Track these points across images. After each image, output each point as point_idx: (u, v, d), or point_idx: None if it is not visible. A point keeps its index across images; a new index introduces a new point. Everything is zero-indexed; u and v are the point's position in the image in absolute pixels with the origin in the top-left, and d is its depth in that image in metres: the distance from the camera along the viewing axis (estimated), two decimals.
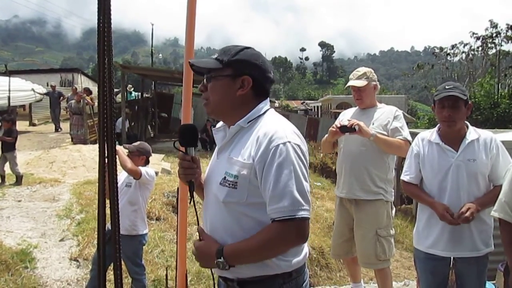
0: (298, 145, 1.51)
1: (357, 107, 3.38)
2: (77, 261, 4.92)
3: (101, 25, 1.12)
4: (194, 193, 1.63)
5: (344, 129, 3.11)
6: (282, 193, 1.43)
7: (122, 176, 3.87)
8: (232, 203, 1.51)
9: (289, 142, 1.48)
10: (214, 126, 1.76)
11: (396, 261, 7.69)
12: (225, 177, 1.51)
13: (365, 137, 3.07)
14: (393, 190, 3.29)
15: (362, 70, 3.32)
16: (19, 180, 7.55)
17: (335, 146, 3.41)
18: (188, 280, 4.02)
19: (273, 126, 1.51)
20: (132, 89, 18.72)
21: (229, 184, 1.50)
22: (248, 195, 1.49)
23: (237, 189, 1.49)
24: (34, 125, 17.20)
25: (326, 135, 3.33)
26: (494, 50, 29.25)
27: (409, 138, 3.11)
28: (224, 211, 1.53)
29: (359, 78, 3.24)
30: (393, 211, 3.29)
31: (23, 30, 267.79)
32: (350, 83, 3.27)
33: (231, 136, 1.58)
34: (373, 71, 3.33)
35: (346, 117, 3.36)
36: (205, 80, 1.60)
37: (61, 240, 5.37)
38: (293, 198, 1.43)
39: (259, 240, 1.46)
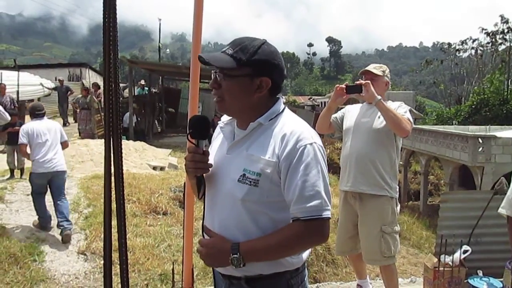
0: (322, 147, 1.51)
1: (364, 102, 3.38)
2: (85, 254, 4.97)
3: (106, 20, 1.12)
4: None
5: (350, 89, 3.11)
6: (310, 193, 1.42)
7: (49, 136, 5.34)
8: (251, 201, 1.47)
9: (315, 143, 1.47)
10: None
11: (402, 258, 7.69)
12: (244, 174, 1.46)
13: (370, 100, 3.08)
14: (397, 187, 3.28)
15: (380, 64, 3.37)
16: (22, 172, 7.67)
17: (331, 127, 3.43)
18: (195, 274, 4.05)
19: (298, 127, 1.49)
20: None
21: (250, 182, 1.45)
22: (268, 193, 1.46)
23: (258, 187, 1.45)
24: None
25: (325, 108, 3.35)
26: (504, 46, 28.95)
27: (412, 120, 3.12)
28: (240, 209, 1.49)
29: (376, 68, 3.27)
30: (398, 208, 3.28)
31: (32, 25, 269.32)
32: (366, 68, 3.29)
33: (248, 132, 1.53)
34: (388, 70, 3.36)
35: (351, 113, 3.37)
36: (217, 76, 1.52)
37: None
38: (321, 198, 1.43)
39: (281, 239, 1.43)
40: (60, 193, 5.36)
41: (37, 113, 5.47)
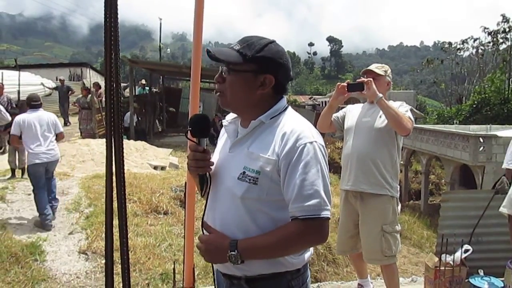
0: (323, 146, 1.50)
1: (366, 102, 3.38)
2: (86, 254, 4.97)
3: (107, 20, 1.12)
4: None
5: (352, 87, 3.11)
6: (309, 191, 1.41)
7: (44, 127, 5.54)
8: (250, 199, 1.47)
9: (316, 141, 1.47)
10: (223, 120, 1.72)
11: (403, 257, 7.69)
12: (244, 172, 1.47)
13: (371, 98, 3.09)
14: (398, 186, 3.28)
15: (382, 64, 3.37)
16: (23, 172, 7.65)
17: (332, 126, 3.43)
18: (196, 274, 4.05)
19: (299, 125, 1.49)
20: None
21: (249, 180, 1.46)
22: (268, 191, 1.46)
23: (257, 185, 1.45)
24: None
25: (326, 107, 3.37)
26: (505, 45, 28.89)
27: (412, 119, 3.12)
28: (240, 207, 1.49)
29: (378, 68, 3.28)
30: (399, 207, 3.28)
31: (32, 24, 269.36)
32: (369, 67, 3.30)
33: (250, 130, 1.53)
34: (390, 71, 3.37)
35: (352, 113, 3.37)
36: (222, 70, 1.53)
37: (70, 233, 5.42)
38: (320, 197, 1.42)
39: (279, 237, 1.43)
40: (51, 175, 5.73)
41: (33, 104, 5.61)
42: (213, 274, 1.70)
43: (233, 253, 1.43)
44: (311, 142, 1.45)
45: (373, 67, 3.31)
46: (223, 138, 1.69)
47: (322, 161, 1.47)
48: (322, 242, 1.51)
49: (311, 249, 1.63)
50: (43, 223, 5.46)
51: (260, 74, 1.50)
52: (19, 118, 5.50)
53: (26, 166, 5.67)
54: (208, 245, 1.51)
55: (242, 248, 1.44)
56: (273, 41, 1.54)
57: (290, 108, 1.60)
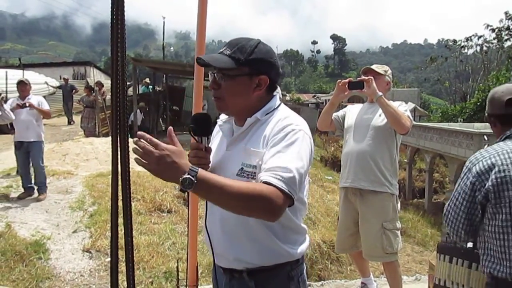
0: (310, 137, 1.52)
1: (366, 102, 3.41)
2: (90, 252, 4.98)
3: (114, 18, 1.12)
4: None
5: (353, 85, 3.15)
6: (286, 166, 1.36)
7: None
8: None
9: (303, 130, 1.49)
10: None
11: (407, 255, 7.69)
12: (242, 168, 1.49)
13: (371, 96, 3.12)
14: (397, 184, 3.29)
15: (382, 65, 3.42)
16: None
17: (332, 125, 3.46)
18: (199, 272, 4.06)
19: (290, 117, 1.53)
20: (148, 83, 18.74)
21: (247, 175, 1.47)
22: None
23: (255, 180, 1.46)
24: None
25: (326, 105, 3.41)
26: (510, 42, 28.75)
27: (411, 117, 3.15)
28: None
29: (378, 67, 3.31)
30: (398, 205, 3.30)
31: (36, 24, 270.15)
32: (370, 66, 3.33)
33: (246, 127, 1.56)
34: (390, 71, 3.40)
35: (352, 112, 3.40)
36: (215, 76, 1.55)
37: (74, 231, 5.44)
38: (292, 179, 1.35)
39: (242, 185, 1.31)
40: None
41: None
42: (214, 269, 1.69)
43: (189, 177, 1.23)
44: (296, 130, 1.47)
45: (373, 66, 3.35)
46: (217, 137, 1.71)
47: (306, 149, 1.46)
48: (272, 216, 1.36)
49: (307, 239, 1.66)
50: (30, 193, 6.37)
51: (255, 76, 1.53)
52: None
53: (41, 140, 6.41)
54: (167, 153, 1.26)
55: (202, 176, 1.26)
56: (260, 41, 1.57)
57: (283, 105, 1.63)
